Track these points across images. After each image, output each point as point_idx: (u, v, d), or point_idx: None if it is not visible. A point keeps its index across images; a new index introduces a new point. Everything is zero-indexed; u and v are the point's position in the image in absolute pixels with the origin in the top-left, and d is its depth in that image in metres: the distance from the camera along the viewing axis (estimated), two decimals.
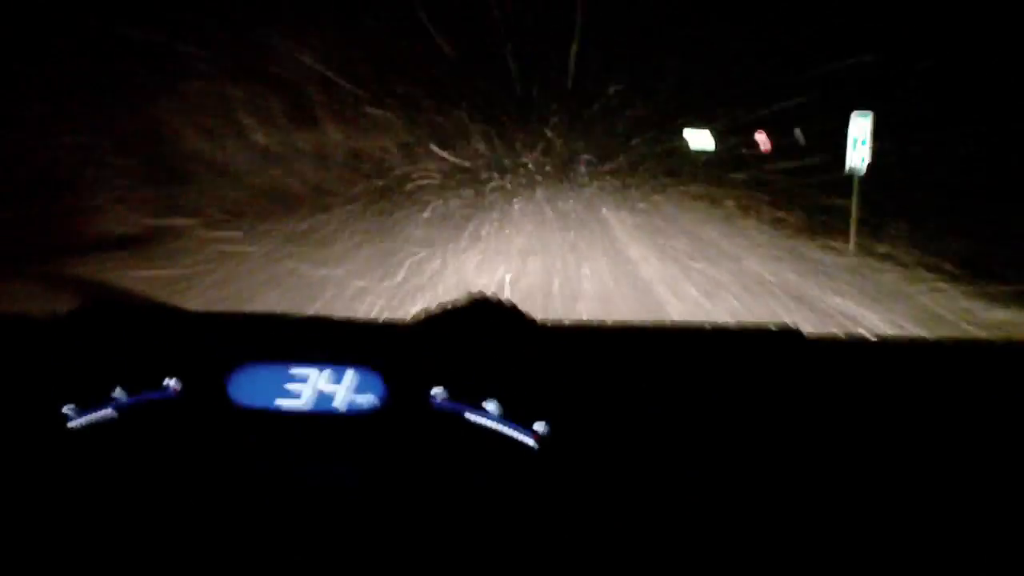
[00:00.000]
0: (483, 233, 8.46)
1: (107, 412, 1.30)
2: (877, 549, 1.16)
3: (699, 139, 14.15)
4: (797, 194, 10.23)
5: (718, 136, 14.11)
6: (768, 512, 1.21)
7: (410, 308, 5.18)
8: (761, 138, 13.08)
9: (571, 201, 11.31)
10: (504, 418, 1.28)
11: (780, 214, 9.97)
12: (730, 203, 11.11)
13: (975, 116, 9.12)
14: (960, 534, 1.18)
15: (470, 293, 1.52)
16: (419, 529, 1.18)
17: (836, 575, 1.15)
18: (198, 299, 4.81)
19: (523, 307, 1.50)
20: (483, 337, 1.44)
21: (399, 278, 6.08)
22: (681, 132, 14.06)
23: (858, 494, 1.23)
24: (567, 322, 1.50)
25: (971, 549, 1.17)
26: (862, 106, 8.59)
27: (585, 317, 5.02)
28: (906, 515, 1.21)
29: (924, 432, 1.30)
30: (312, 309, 4.93)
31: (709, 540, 1.17)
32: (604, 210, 10.71)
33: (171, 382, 1.33)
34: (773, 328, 1.51)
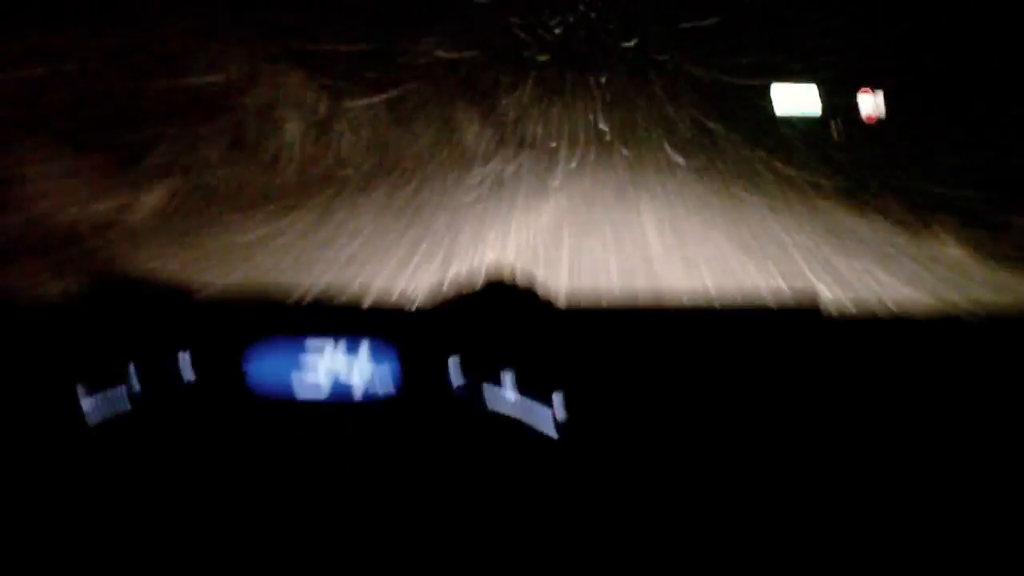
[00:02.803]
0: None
1: (121, 389, 1.32)
2: (900, 519, 1.17)
3: (793, 99, 10.97)
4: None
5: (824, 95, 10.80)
6: (787, 487, 1.21)
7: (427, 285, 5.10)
8: (866, 100, 9.97)
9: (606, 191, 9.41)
10: (521, 395, 1.29)
11: None
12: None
13: None
14: (981, 507, 1.19)
15: (486, 266, 1.52)
16: (435, 508, 1.20)
17: (857, 550, 1.15)
18: (216, 278, 4.79)
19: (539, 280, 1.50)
20: (499, 310, 1.44)
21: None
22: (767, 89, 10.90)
23: (874, 464, 1.23)
24: (583, 295, 1.49)
25: (992, 521, 1.18)
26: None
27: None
28: (927, 488, 1.21)
29: (941, 404, 1.30)
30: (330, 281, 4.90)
31: (727, 513, 1.18)
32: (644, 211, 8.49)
33: (185, 358, 1.35)
34: (791, 298, 1.51)
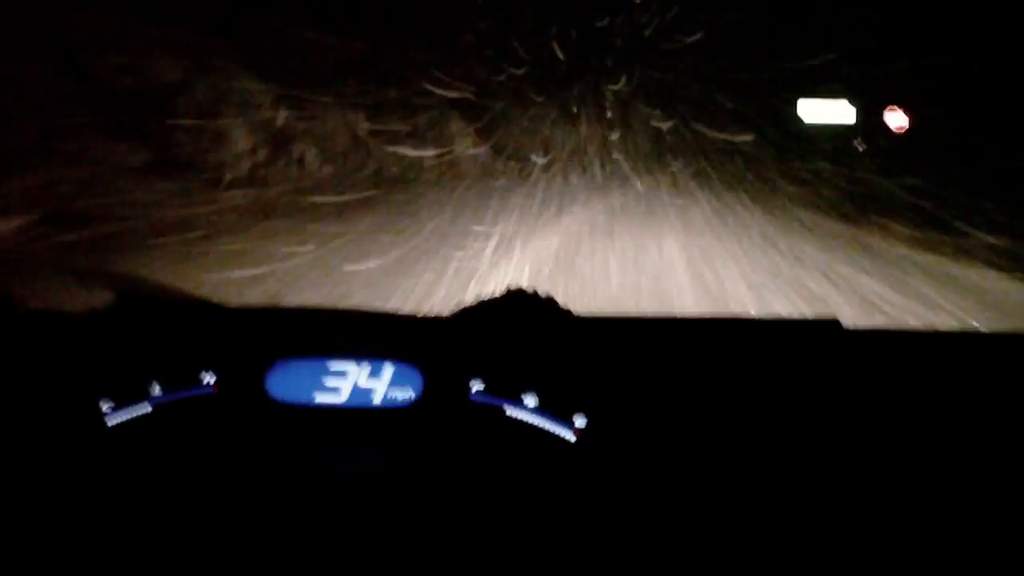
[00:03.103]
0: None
1: (143, 407, 1.33)
2: (916, 532, 1.17)
3: (822, 111, 10.78)
4: None
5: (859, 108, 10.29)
6: (806, 503, 1.21)
7: (447, 300, 5.08)
8: (894, 118, 9.88)
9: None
10: (543, 411, 1.29)
11: None
12: None
13: None
14: (999, 525, 1.18)
15: (507, 286, 1.53)
16: (456, 522, 1.20)
17: (877, 563, 1.15)
18: (237, 293, 4.80)
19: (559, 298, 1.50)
20: (520, 330, 1.45)
21: None
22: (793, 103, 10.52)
23: (890, 483, 1.25)
24: (603, 313, 1.50)
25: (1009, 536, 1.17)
26: None
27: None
28: (943, 505, 1.23)
29: (963, 425, 1.29)
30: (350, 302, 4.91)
31: (745, 532, 1.18)
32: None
33: (208, 377, 1.35)
34: (812, 318, 1.51)
